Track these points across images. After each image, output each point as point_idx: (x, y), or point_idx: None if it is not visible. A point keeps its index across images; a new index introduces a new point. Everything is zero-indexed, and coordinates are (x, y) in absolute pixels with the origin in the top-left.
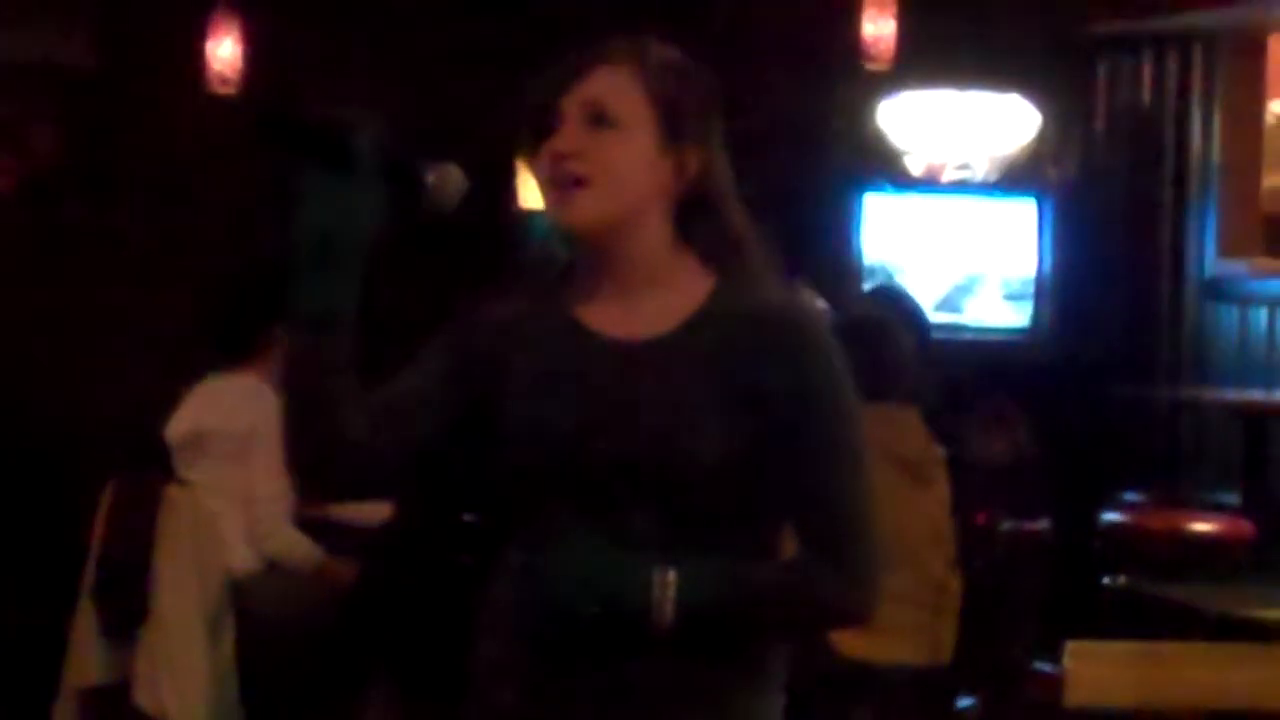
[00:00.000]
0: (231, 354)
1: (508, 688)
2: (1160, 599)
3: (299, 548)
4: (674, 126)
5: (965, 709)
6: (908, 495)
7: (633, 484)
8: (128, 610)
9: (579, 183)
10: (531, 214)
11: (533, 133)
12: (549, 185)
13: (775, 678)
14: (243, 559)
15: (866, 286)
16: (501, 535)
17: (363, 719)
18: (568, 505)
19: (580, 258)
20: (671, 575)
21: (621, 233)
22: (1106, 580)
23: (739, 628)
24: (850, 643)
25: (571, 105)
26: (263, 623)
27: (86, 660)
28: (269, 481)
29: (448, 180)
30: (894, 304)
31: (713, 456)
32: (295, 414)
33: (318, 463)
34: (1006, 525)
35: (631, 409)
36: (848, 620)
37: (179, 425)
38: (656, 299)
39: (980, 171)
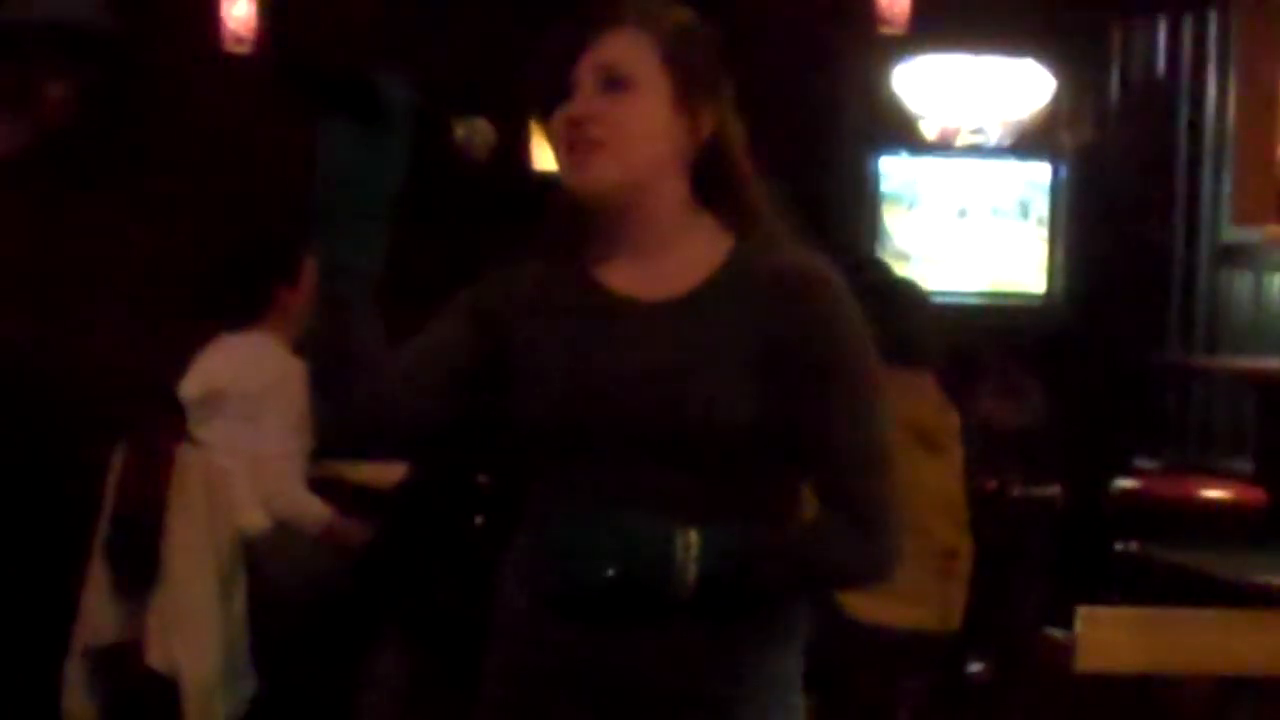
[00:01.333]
0: (245, 312)
1: (529, 649)
2: (1172, 565)
3: (310, 508)
4: (687, 87)
5: (975, 673)
6: (921, 461)
7: (652, 445)
8: (139, 569)
9: (594, 146)
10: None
11: (546, 97)
12: (564, 149)
13: (796, 637)
14: (254, 519)
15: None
16: (516, 496)
17: (373, 673)
18: (586, 466)
19: (597, 220)
20: (694, 536)
21: (637, 195)
22: (1118, 546)
23: (760, 588)
24: (861, 607)
25: (585, 70)
26: (275, 582)
27: (98, 619)
28: (281, 440)
29: (477, 134)
30: (890, 274)
31: (732, 417)
32: (323, 368)
33: (346, 417)
34: (1018, 491)
35: (650, 369)
36: (869, 579)
37: (192, 384)
38: (674, 260)
39: (994, 136)
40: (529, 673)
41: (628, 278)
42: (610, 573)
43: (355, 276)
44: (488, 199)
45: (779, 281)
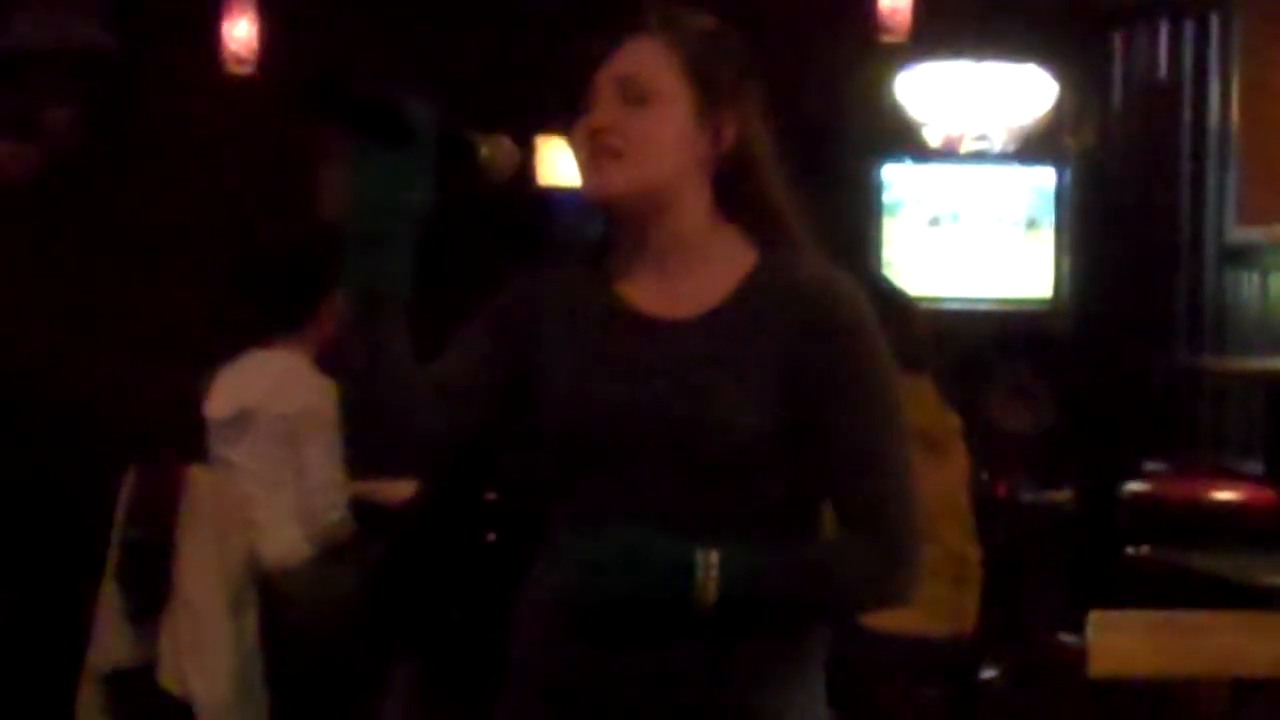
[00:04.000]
0: (279, 328)
1: (552, 669)
2: (1183, 568)
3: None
4: (710, 97)
5: (989, 679)
6: (923, 466)
7: (672, 464)
8: (151, 592)
9: (613, 156)
10: (553, 191)
11: (567, 108)
12: (585, 159)
13: (817, 651)
14: (283, 544)
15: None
16: (529, 514)
17: (388, 692)
18: (608, 484)
19: (619, 233)
20: (715, 556)
21: (659, 206)
22: (1129, 550)
23: (780, 608)
24: (873, 615)
25: (605, 80)
26: (287, 603)
27: (110, 643)
28: (328, 467)
29: (500, 152)
30: (885, 283)
31: (753, 436)
32: (354, 388)
33: (377, 440)
34: (1028, 496)
35: (671, 389)
36: (888, 600)
37: (221, 403)
38: (697, 274)
39: (998, 142)
40: (548, 693)
41: (650, 293)
42: (632, 591)
43: (385, 299)
44: (509, 217)
45: (802, 297)
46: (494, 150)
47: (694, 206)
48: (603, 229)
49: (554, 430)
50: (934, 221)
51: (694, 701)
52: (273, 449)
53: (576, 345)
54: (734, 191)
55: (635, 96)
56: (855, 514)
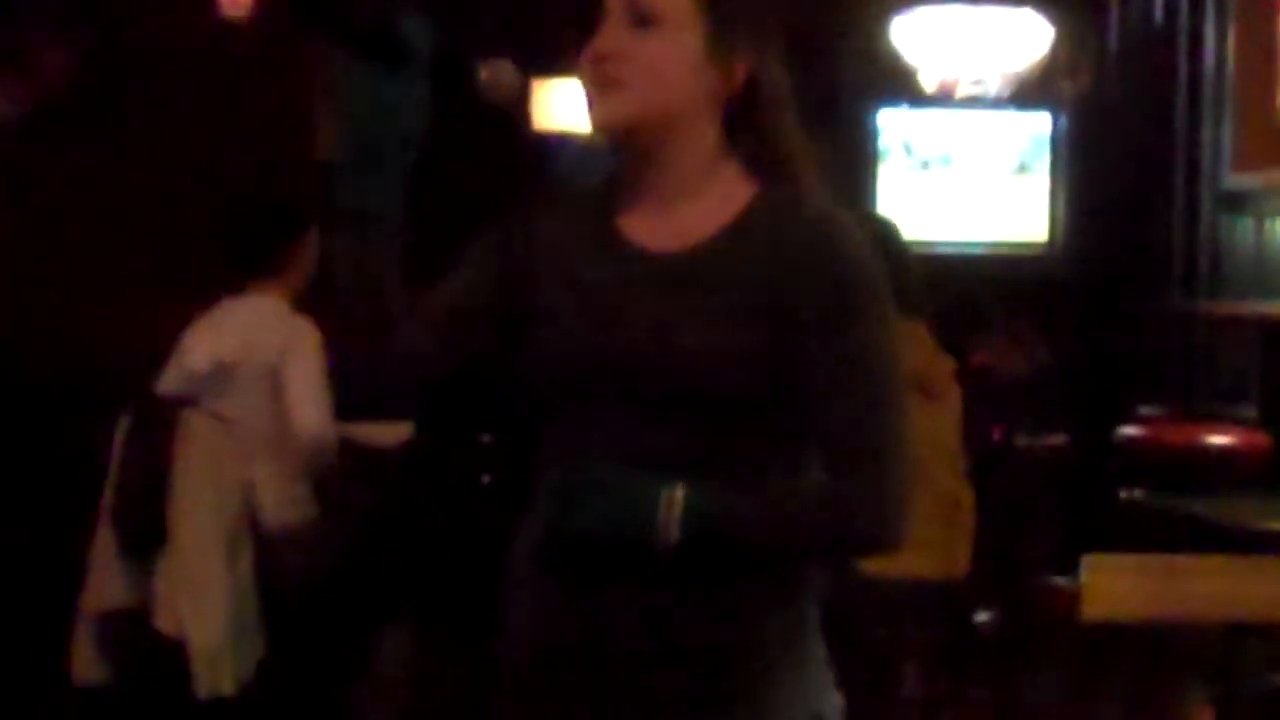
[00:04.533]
0: (251, 271)
1: (538, 609)
2: (1177, 512)
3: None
4: (723, 28)
5: (982, 622)
6: (917, 409)
7: (653, 401)
8: (145, 533)
9: (616, 85)
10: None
11: (575, 31)
12: (588, 86)
13: (808, 595)
14: (282, 502)
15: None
16: (523, 454)
17: (379, 649)
18: (590, 421)
19: (623, 166)
20: (679, 493)
21: (662, 139)
22: (1123, 494)
23: (750, 549)
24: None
25: (614, 2)
26: (284, 548)
27: (105, 583)
28: (311, 388)
29: (502, 76)
30: (874, 223)
31: (732, 373)
32: (345, 322)
33: (371, 375)
34: (1023, 440)
35: (651, 323)
36: (871, 545)
37: (198, 356)
38: (695, 208)
39: (994, 87)
40: (534, 631)
41: (648, 228)
42: (592, 528)
43: (378, 220)
44: (506, 155)
45: (795, 236)
46: (495, 73)
47: (700, 142)
48: (609, 169)
49: (538, 365)
50: (927, 166)
51: (674, 641)
52: (259, 402)
53: (567, 279)
54: (742, 128)
55: (643, 19)
56: (840, 456)
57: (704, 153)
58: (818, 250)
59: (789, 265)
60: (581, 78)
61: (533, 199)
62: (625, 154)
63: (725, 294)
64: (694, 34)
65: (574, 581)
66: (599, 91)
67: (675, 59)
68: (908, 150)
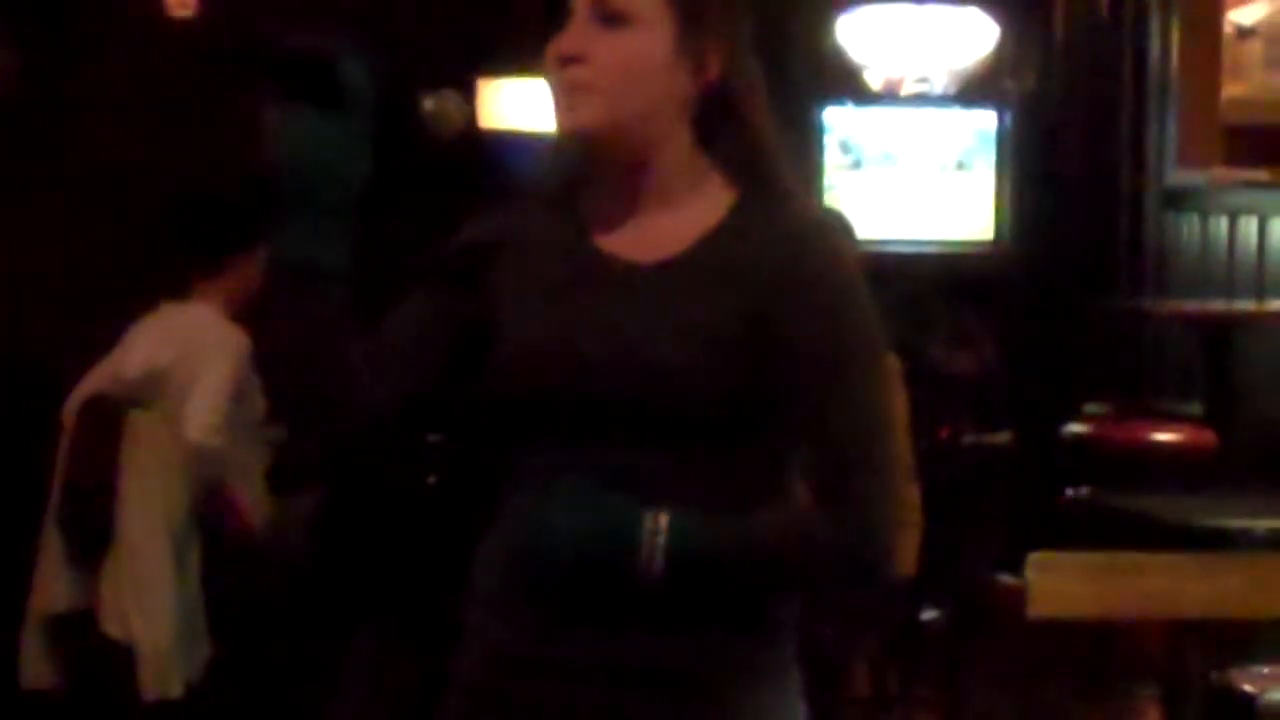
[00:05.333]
0: (196, 272)
1: (505, 636)
2: (1122, 510)
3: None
4: (694, 25)
5: (928, 620)
6: None
7: (634, 418)
8: (93, 536)
9: (584, 88)
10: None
11: (541, 30)
12: (555, 88)
13: (783, 619)
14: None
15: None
16: (478, 460)
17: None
18: (566, 442)
19: (593, 170)
20: (664, 519)
21: (635, 143)
22: (1069, 492)
23: (737, 578)
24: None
25: (580, 1)
26: (230, 548)
27: (53, 587)
28: (212, 395)
29: (448, 107)
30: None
31: (710, 389)
32: (295, 373)
33: (321, 425)
34: (969, 438)
35: (625, 338)
36: (859, 574)
37: (132, 361)
38: (672, 216)
39: (939, 85)
40: (499, 655)
41: (620, 236)
42: (575, 555)
43: (323, 274)
44: (460, 172)
45: (778, 243)
46: (440, 106)
47: (673, 144)
48: (564, 168)
49: (507, 381)
50: (873, 163)
51: (644, 669)
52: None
53: (533, 291)
54: (717, 129)
55: (611, 18)
56: (826, 478)
57: (678, 156)
58: (798, 263)
59: (768, 278)
60: (548, 81)
61: (492, 208)
62: (596, 159)
63: (702, 306)
64: (665, 31)
65: (545, 607)
66: (568, 95)
67: (646, 58)
68: (844, 148)
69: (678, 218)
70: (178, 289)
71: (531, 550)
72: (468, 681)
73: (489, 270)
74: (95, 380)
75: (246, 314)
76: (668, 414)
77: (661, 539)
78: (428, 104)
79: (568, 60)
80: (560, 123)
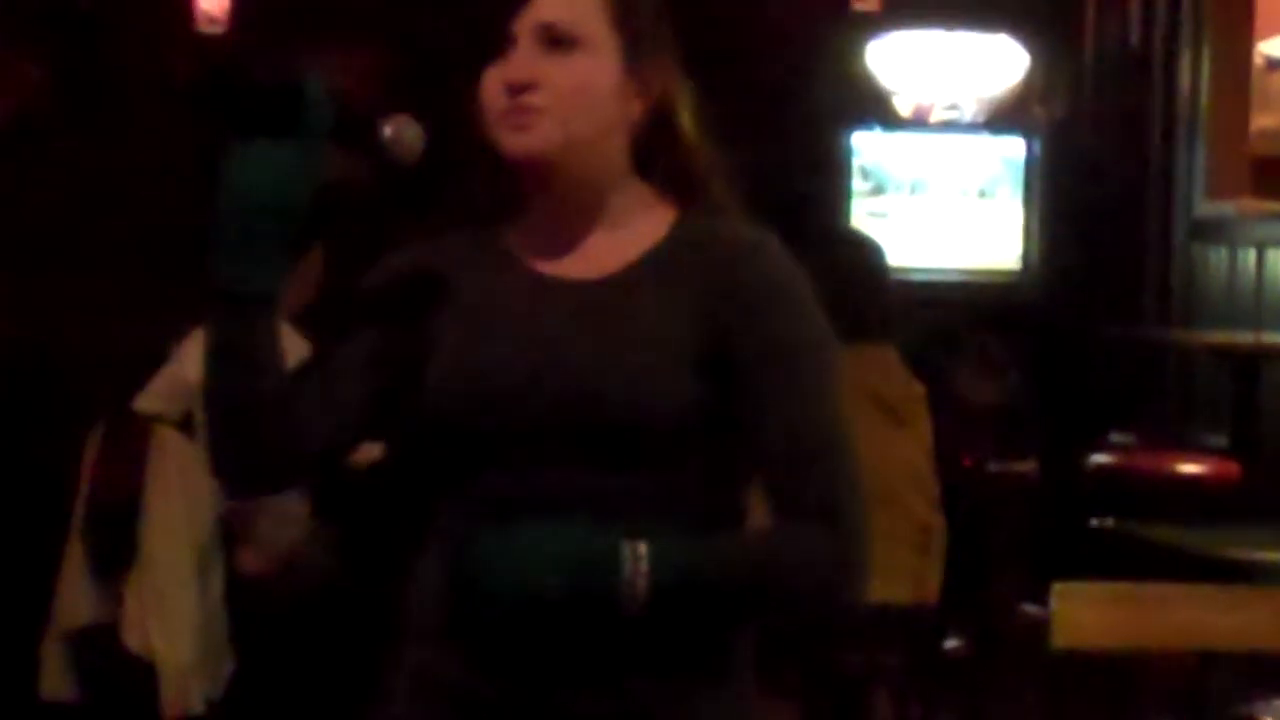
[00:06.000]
0: None
1: (442, 665)
2: (1147, 540)
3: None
4: (637, 45)
5: (952, 649)
6: (888, 435)
7: (573, 443)
8: (116, 550)
9: (535, 113)
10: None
11: (482, 57)
12: (499, 114)
13: (741, 649)
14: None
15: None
16: (418, 494)
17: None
18: (508, 469)
19: (527, 191)
20: (643, 547)
21: (581, 164)
22: (1093, 521)
23: (715, 601)
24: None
25: (525, 26)
26: (275, 564)
27: (75, 600)
28: None
29: (405, 133)
30: (857, 247)
31: (661, 407)
32: (217, 409)
33: (242, 459)
34: (993, 466)
35: (577, 357)
36: (833, 593)
37: (191, 367)
38: (610, 236)
39: (968, 112)
40: (439, 689)
41: (557, 257)
42: (551, 592)
43: (255, 301)
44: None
45: (720, 258)
46: (397, 131)
47: (612, 164)
48: (492, 191)
49: (441, 409)
50: (900, 190)
51: (598, 705)
52: None
53: (466, 315)
54: (652, 148)
55: (559, 42)
56: (786, 497)
57: (616, 176)
58: (741, 277)
59: (712, 293)
60: (491, 107)
61: (420, 232)
62: (535, 182)
63: (647, 323)
64: (611, 52)
65: (508, 646)
66: (516, 119)
67: (597, 80)
68: (864, 174)
69: (619, 236)
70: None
71: (506, 585)
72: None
73: (412, 299)
74: (153, 392)
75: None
76: (614, 431)
77: (645, 566)
78: (386, 129)
79: (520, 88)
80: (509, 148)
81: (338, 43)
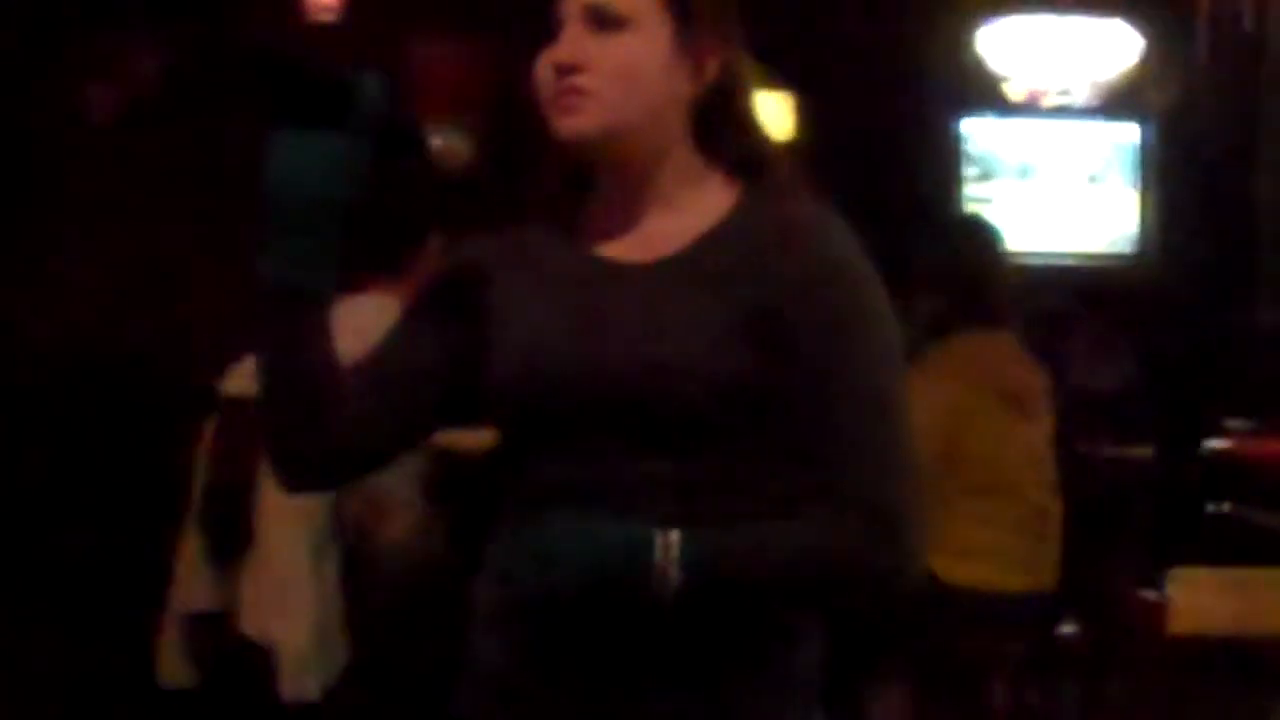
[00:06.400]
0: (381, 272)
1: (499, 653)
2: (1264, 526)
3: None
4: (691, 24)
5: (1069, 635)
6: (1008, 425)
7: (638, 419)
8: (232, 537)
9: (583, 94)
10: None
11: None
12: (550, 97)
13: (808, 661)
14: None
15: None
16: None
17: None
18: (567, 456)
19: (591, 175)
20: (675, 536)
21: (635, 146)
22: (1210, 507)
23: (752, 593)
24: (954, 570)
25: (572, 7)
26: (371, 552)
27: (191, 586)
28: None
29: (455, 146)
30: (976, 233)
31: (713, 390)
32: (275, 396)
33: (296, 454)
34: (1110, 452)
35: (635, 340)
36: (880, 584)
37: None
38: (674, 217)
39: (1081, 97)
40: (498, 683)
41: (621, 239)
42: (575, 582)
43: (307, 292)
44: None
45: (781, 241)
46: (449, 143)
47: (673, 146)
48: (561, 176)
49: (502, 396)
50: (1016, 175)
51: (652, 705)
52: None
53: (530, 302)
54: (714, 128)
55: (607, 22)
56: (838, 485)
57: (678, 158)
58: (800, 259)
59: (770, 275)
60: (542, 90)
61: (489, 226)
62: (596, 165)
63: (703, 305)
64: (661, 31)
65: (546, 635)
66: (564, 102)
67: (645, 61)
68: (971, 160)
69: (679, 218)
70: (351, 284)
71: (537, 575)
72: (467, 709)
73: (481, 288)
74: (242, 371)
75: None
76: (671, 412)
77: (675, 555)
78: (435, 142)
79: (567, 69)
80: (560, 131)
81: (447, 33)
